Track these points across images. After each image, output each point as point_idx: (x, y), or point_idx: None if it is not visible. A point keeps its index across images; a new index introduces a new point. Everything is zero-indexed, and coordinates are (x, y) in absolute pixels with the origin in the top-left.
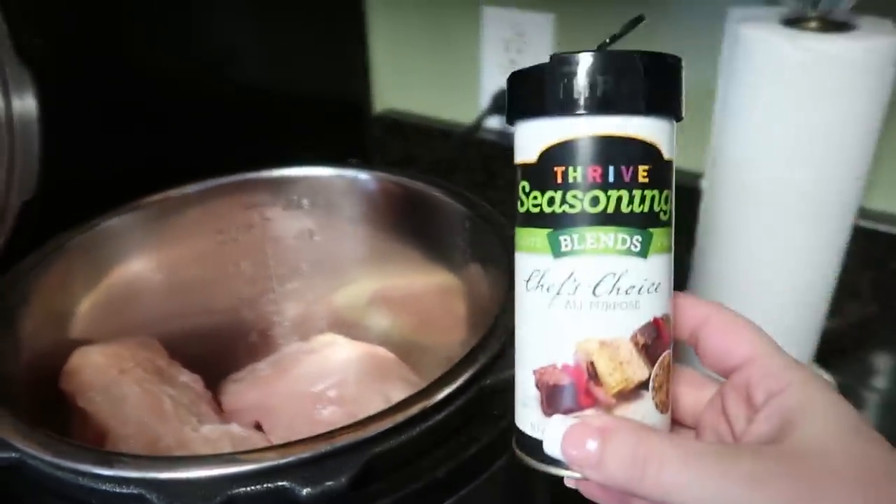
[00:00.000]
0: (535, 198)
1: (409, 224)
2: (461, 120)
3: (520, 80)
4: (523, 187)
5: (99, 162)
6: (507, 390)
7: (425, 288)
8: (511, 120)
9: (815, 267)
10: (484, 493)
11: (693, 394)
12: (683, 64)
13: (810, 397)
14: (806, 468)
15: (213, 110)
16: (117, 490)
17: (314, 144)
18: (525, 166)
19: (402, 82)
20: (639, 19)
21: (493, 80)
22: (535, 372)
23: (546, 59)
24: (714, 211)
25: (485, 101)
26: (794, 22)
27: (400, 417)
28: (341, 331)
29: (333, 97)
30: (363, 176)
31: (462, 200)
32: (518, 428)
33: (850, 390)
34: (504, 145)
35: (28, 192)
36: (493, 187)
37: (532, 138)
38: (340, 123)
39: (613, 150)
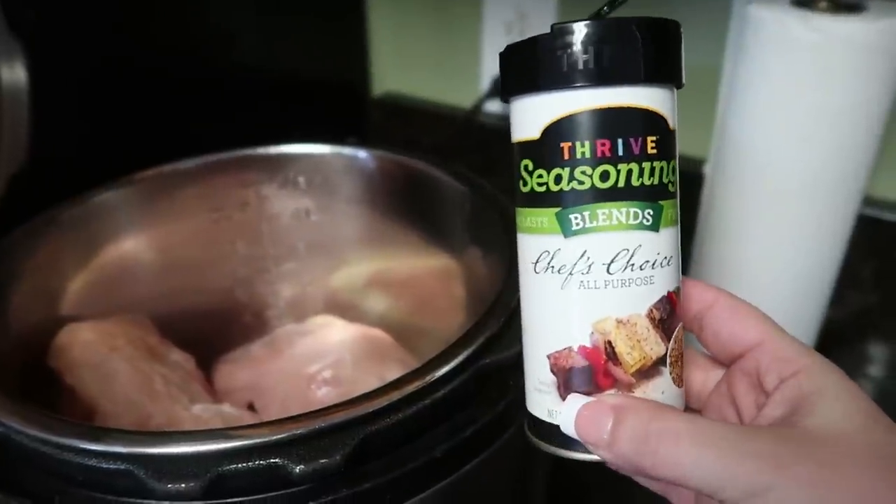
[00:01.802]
0: (539, 176)
1: (407, 204)
2: (461, 104)
3: (516, 54)
4: (525, 166)
5: (92, 135)
6: (504, 371)
7: (423, 270)
8: (506, 97)
9: (819, 254)
10: (481, 473)
11: (699, 376)
12: (682, 30)
13: (824, 383)
14: (827, 453)
15: (208, 89)
16: (104, 466)
17: (313, 127)
18: (526, 144)
19: (402, 65)
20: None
21: (494, 63)
22: (549, 357)
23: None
24: (717, 196)
25: (485, 84)
26: (804, 2)
27: (396, 395)
28: (337, 313)
29: (333, 80)
30: (361, 154)
31: (462, 180)
32: (532, 414)
33: None
34: (505, 129)
35: (17, 164)
36: (493, 172)
37: (533, 114)
38: (340, 106)
39: (622, 122)
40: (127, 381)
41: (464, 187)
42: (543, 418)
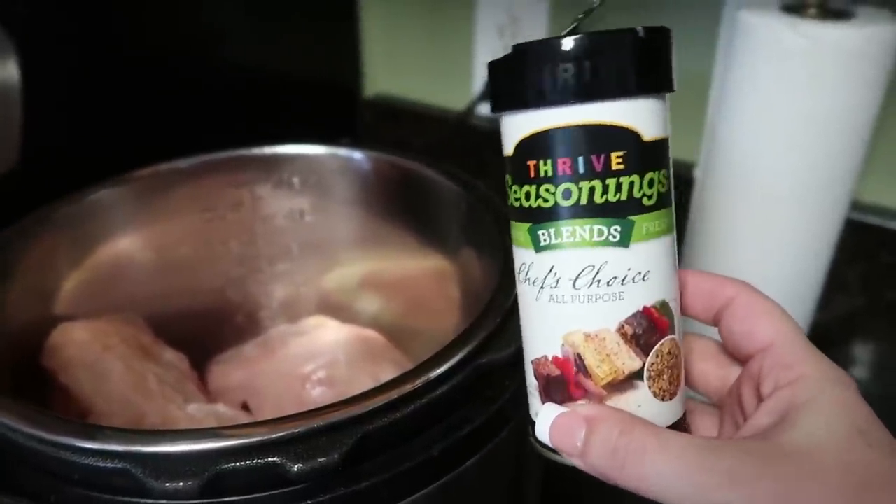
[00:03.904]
0: (515, 191)
1: (402, 205)
2: (453, 106)
3: (493, 71)
4: (507, 180)
5: (84, 134)
6: (501, 370)
7: (417, 271)
8: (493, 111)
9: (807, 258)
10: (477, 472)
11: (719, 373)
12: (655, 34)
13: (819, 394)
14: (790, 469)
15: (201, 89)
16: (101, 464)
17: (304, 129)
18: (507, 159)
19: (395, 67)
20: (590, 10)
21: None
22: (532, 363)
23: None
24: (707, 200)
25: (477, 86)
26: (793, 9)
27: (394, 394)
28: (330, 314)
29: (324, 81)
30: (357, 155)
31: (457, 181)
32: (529, 415)
33: None
34: (496, 132)
35: (9, 163)
36: (484, 174)
37: (509, 131)
38: (331, 107)
39: (581, 140)
40: (121, 380)
41: (459, 188)
42: (533, 419)
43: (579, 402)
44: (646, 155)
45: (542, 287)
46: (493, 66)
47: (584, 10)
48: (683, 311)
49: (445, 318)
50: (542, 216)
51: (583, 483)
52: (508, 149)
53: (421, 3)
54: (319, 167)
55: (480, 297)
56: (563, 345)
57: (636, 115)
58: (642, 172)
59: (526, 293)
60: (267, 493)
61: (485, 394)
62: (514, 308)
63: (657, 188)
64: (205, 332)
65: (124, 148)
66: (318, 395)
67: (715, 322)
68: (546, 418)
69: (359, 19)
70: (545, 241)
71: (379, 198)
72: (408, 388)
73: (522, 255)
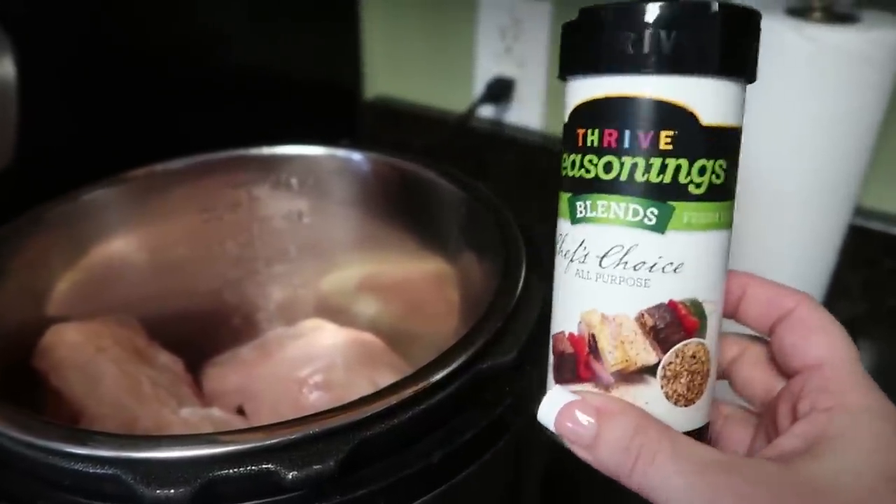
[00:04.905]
0: (564, 160)
1: (402, 207)
2: (454, 108)
3: (563, 34)
4: (561, 150)
5: (81, 133)
6: (502, 376)
7: (417, 274)
8: (559, 77)
9: (810, 263)
10: (477, 479)
11: (767, 382)
12: (726, 10)
13: (852, 428)
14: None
15: (200, 89)
16: (91, 470)
17: (304, 130)
18: (563, 127)
19: (395, 68)
20: None
21: (488, 68)
22: (553, 337)
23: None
24: None
25: (479, 88)
26: (798, 12)
27: (393, 400)
28: (328, 316)
29: (325, 82)
30: (356, 157)
31: (457, 183)
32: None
33: None
34: (497, 134)
35: (4, 161)
36: (485, 176)
37: (568, 98)
38: (331, 109)
39: (630, 113)
40: (113, 383)
41: (459, 190)
42: None
43: (586, 385)
44: (701, 140)
45: (571, 260)
46: (564, 28)
47: None
48: (738, 318)
49: (444, 322)
50: (582, 187)
51: (583, 489)
52: (565, 117)
53: (422, 4)
54: (318, 168)
55: (480, 300)
56: (580, 322)
57: (697, 94)
58: (693, 157)
59: (558, 265)
60: (261, 501)
61: (485, 400)
62: (515, 312)
63: (709, 178)
64: (200, 334)
65: (121, 147)
66: (315, 400)
67: (769, 333)
68: (553, 402)
69: (359, 20)
70: (581, 213)
71: (378, 199)
72: (407, 393)
73: (560, 227)
